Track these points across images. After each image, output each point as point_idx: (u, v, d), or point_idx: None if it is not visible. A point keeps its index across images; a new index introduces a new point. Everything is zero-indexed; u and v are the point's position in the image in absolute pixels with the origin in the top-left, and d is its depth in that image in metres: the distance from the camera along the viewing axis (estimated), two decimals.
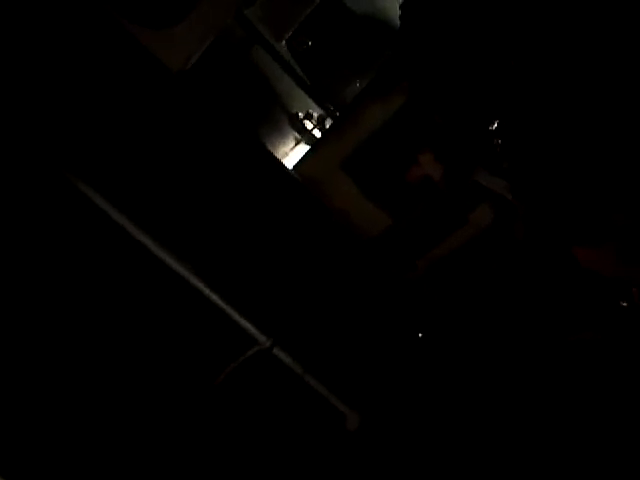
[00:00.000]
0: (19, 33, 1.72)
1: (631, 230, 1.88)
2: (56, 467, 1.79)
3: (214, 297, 1.95)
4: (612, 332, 2.03)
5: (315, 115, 2.68)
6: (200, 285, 1.95)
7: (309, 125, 2.64)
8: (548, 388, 2.17)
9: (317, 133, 2.64)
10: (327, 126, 2.65)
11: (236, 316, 1.96)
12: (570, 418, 2.15)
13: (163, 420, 1.96)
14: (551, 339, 2.14)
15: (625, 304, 1.97)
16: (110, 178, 1.86)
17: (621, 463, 2.06)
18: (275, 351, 1.98)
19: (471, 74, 2.09)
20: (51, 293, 1.85)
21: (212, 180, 2.05)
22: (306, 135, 2.61)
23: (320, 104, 2.68)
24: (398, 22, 2.20)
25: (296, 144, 2.57)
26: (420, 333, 2.17)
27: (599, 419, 2.12)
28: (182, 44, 2.02)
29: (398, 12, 2.17)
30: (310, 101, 2.66)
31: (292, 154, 2.54)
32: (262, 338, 1.98)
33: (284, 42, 2.62)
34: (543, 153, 1.96)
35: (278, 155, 2.43)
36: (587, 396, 2.11)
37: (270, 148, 2.37)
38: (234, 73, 2.37)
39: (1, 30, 1.70)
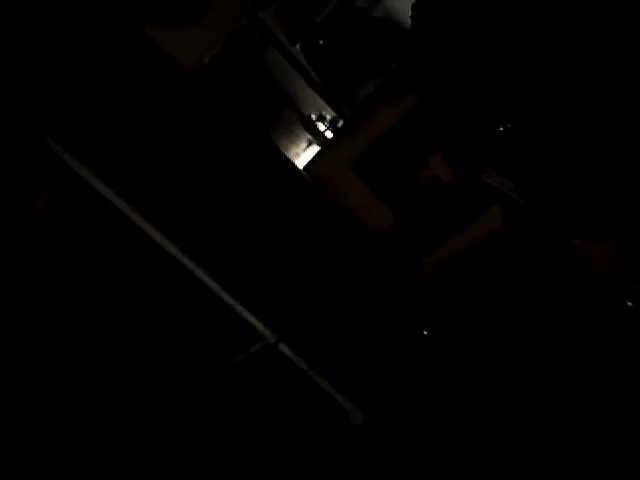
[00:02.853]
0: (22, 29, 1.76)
1: (630, 227, 1.88)
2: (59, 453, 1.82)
3: (221, 292, 1.96)
4: (616, 331, 2.02)
5: (328, 117, 2.70)
6: (208, 281, 1.97)
7: (322, 127, 2.66)
8: (548, 386, 2.16)
9: (329, 135, 2.66)
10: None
11: (242, 311, 1.97)
12: (569, 417, 2.14)
13: (168, 414, 1.97)
14: (555, 337, 2.13)
15: (630, 304, 1.95)
16: (123, 178, 1.89)
17: (618, 462, 2.05)
18: (281, 347, 2.00)
19: (480, 76, 2.10)
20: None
21: (224, 179, 2.07)
22: (318, 137, 2.63)
23: (333, 106, 2.69)
24: (410, 23, 2.22)
25: (308, 145, 2.59)
26: (425, 331, 2.17)
27: (598, 418, 2.10)
28: (196, 43, 2.06)
29: (409, 13, 2.19)
30: (323, 103, 2.68)
31: (304, 155, 2.56)
32: (268, 334, 1.99)
33: (298, 45, 2.65)
34: (547, 152, 1.96)
35: (290, 155, 2.45)
36: (586, 395, 2.10)
37: (282, 149, 2.40)
38: (248, 74, 2.41)
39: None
